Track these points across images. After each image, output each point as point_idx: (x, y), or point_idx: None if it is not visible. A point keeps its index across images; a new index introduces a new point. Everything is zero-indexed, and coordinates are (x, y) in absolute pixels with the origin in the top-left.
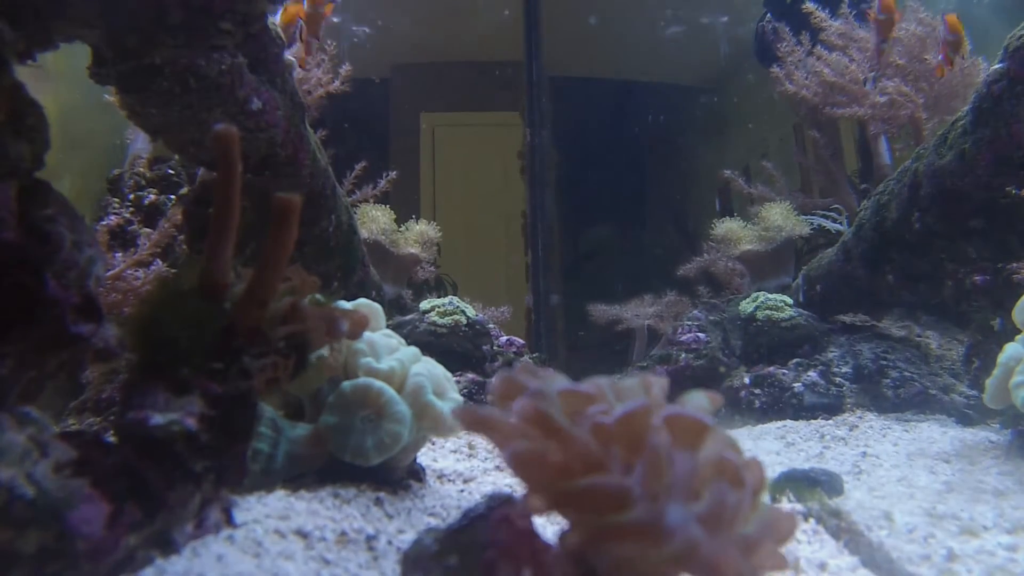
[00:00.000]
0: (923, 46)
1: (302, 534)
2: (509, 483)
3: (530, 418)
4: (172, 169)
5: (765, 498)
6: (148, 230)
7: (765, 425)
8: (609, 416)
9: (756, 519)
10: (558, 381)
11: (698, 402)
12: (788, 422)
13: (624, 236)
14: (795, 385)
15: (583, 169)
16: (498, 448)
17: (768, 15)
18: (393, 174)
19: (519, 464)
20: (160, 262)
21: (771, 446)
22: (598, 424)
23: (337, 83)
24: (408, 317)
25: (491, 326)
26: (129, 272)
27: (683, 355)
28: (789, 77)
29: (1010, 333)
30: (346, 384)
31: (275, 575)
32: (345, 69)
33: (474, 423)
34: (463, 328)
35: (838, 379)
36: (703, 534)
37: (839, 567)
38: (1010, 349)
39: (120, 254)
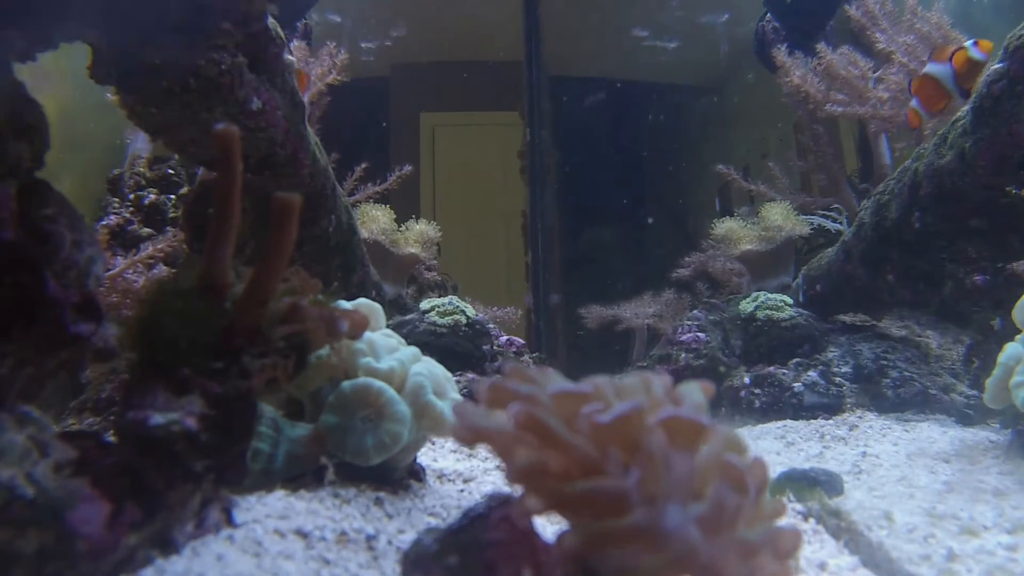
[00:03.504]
0: (928, 45)
1: (302, 534)
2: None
3: (526, 425)
4: (172, 169)
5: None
6: (148, 230)
7: (765, 425)
8: (605, 416)
9: (762, 527)
10: (550, 384)
11: (693, 396)
12: (788, 422)
13: (624, 236)
14: (795, 385)
15: (583, 169)
16: (499, 459)
17: (768, 15)
18: (408, 168)
19: (523, 477)
20: (163, 266)
21: (771, 446)
22: (594, 426)
23: (333, 74)
24: (408, 317)
25: (491, 326)
26: (129, 273)
27: (683, 355)
28: (793, 70)
29: (1010, 333)
30: (346, 384)
31: (275, 575)
32: (341, 58)
33: (472, 436)
34: (463, 328)
35: (838, 379)
36: (701, 536)
37: (839, 567)
38: (1010, 349)
39: (121, 257)
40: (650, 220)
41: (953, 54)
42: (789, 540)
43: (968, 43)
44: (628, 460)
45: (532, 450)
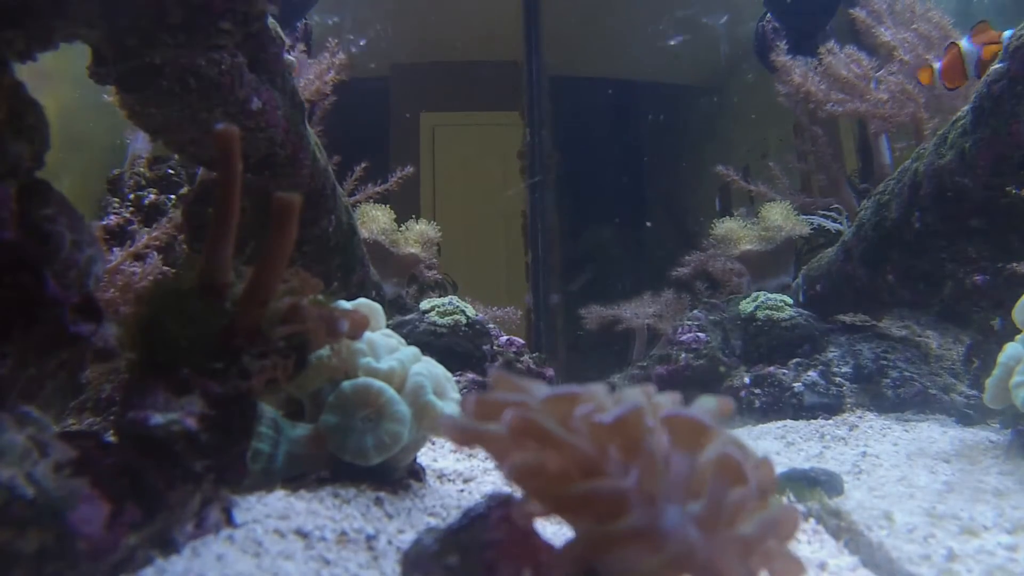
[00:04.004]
0: (929, 45)
1: (302, 534)
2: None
3: (521, 429)
4: (172, 169)
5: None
6: (148, 230)
7: (765, 425)
8: (605, 416)
9: (758, 518)
10: (540, 390)
11: (707, 407)
12: (788, 422)
13: (624, 236)
14: (795, 385)
15: (583, 169)
16: (496, 461)
17: (768, 15)
18: (409, 169)
19: (519, 477)
20: (155, 253)
21: (771, 446)
22: (594, 425)
23: (332, 73)
24: (408, 317)
25: (491, 326)
26: (125, 266)
27: (683, 355)
28: (793, 69)
29: (1010, 333)
30: (346, 384)
31: (275, 575)
32: (339, 58)
33: (467, 438)
34: (463, 328)
35: (838, 379)
36: (699, 536)
37: (839, 567)
38: (1010, 349)
39: (117, 248)
40: (650, 221)
41: (977, 39)
42: (787, 524)
43: (1006, 33)
44: (628, 460)
45: (529, 452)
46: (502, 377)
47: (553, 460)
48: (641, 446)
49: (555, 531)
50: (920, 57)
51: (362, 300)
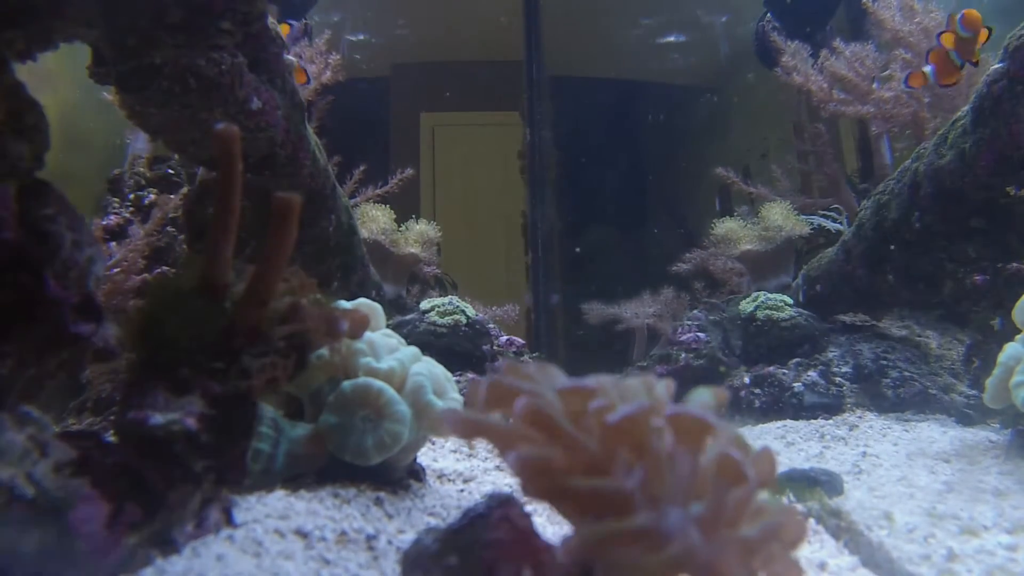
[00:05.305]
0: (931, 43)
1: (302, 534)
2: (509, 483)
3: (531, 420)
4: (172, 169)
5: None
6: (143, 226)
7: (765, 425)
8: (612, 416)
9: (762, 521)
10: (554, 380)
11: (703, 399)
12: (788, 422)
13: (624, 236)
14: (795, 385)
15: (583, 169)
16: (500, 452)
17: (768, 15)
18: (409, 171)
19: (524, 468)
20: (144, 230)
21: (771, 446)
22: (602, 424)
23: (328, 74)
24: (408, 317)
25: (491, 326)
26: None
27: (683, 355)
28: (796, 69)
29: (1010, 333)
30: (346, 384)
31: (275, 575)
32: (334, 58)
33: (471, 430)
34: (463, 328)
35: (838, 379)
36: (700, 537)
37: (839, 567)
38: (1010, 349)
39: (114, 243)
40: (650, 220)
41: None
42: (793, 531)
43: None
44: (633, 459)
45: (536, 444)
46: (512, 366)
47: (560, 454)
48: (647, 446)
49: (555, 531)
50: (922, 54)
51: (362, 300)
